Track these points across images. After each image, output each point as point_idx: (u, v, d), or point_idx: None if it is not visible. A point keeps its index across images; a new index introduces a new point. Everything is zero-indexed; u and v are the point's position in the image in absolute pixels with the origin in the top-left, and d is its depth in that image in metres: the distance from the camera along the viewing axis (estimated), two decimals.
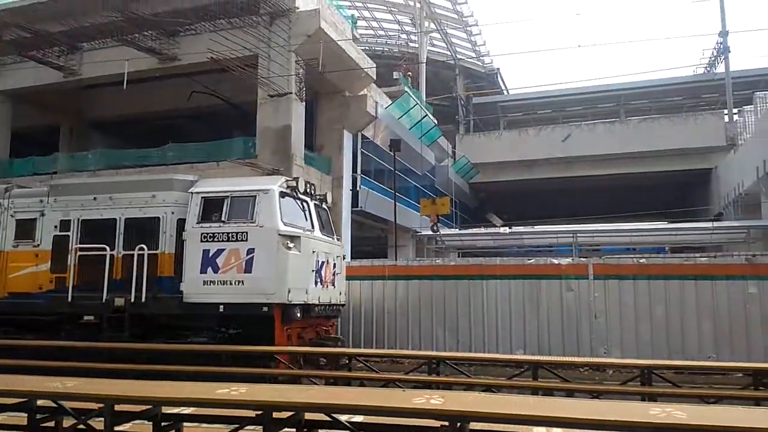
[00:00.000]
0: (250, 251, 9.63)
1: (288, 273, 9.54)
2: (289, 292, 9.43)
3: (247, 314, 9.57)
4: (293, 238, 9.76)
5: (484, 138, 34.73)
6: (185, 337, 9.80)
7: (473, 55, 37.50)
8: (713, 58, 35.79)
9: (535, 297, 11.72)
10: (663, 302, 11.16)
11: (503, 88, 41.44)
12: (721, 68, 33.25)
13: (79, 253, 10.40)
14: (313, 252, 10.20)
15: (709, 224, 24.22)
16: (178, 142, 16.49)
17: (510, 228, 26.86)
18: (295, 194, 10.32)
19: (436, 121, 27.90)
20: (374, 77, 18.36)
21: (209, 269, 9.70)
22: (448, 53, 36.38)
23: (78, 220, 10.66)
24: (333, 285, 10.86)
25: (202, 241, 9.80)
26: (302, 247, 9.80)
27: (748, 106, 27.88)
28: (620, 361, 9.25)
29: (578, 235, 23.74)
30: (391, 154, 19.35)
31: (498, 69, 39.51)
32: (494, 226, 32.97)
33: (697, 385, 8.79)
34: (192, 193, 10.13)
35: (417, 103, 24.50)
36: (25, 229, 10.99)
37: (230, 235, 9.74)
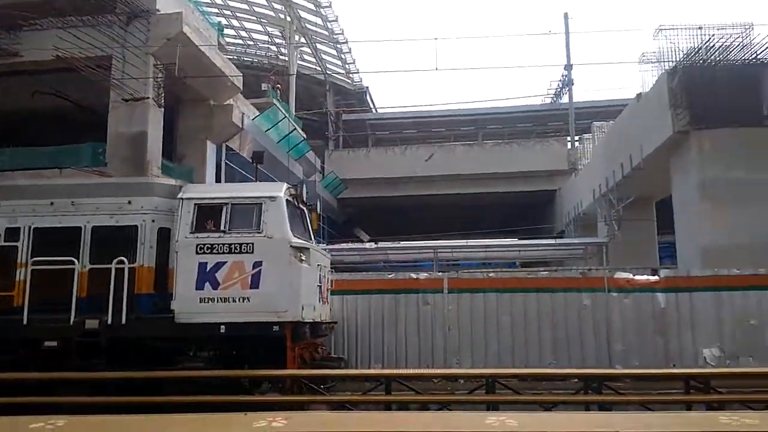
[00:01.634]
0: (257, 264, 8.71)
1: (302, 288, 8.85)
2: (303, 309, 8.73)
3: (253, 335, 8.69)
4: (303, 250, 9.01)
5: (352, 154, 35.23)
6: (177, 362, 8.74)
7: (343, 71, 38.05)
8: (559, 89, 39.40)
9: (394, 310, 12.02)
10: (509, 313, 11.95)
11: (372, 106, 42.44)
12: (565, 99, 36.67)
13: (32, 267, 8.86)
14: (318, 265, 9.56)
15: (552, 241, 26.54)
16: (22, 145, 14.93)
17: (376, 243, 27.39)
18: (296, 202, 9.60)
19: (305, 136, 27.82)
20: (241, 87, 17.94)
21: (207, 285, 8.66)
22: (319, 69, 36.58)
23: (29, 228, 9.16)
24: (327, 300, 10.29)
25: (198, 253, 8.73)
26: (311, 260, 9.11)
27: (587, 135, 31.08)
28: (468, 372, 9.74)
29: (438, 250, 24.76)
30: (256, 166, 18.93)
31: (367, 87, 40.44)
32: (361, 241, 33.43)
33: (539, 391, 9.48)
34: (182, 199, 9.04)
35: (286, 117, 24.30)
36: None
37: (233, 246, 8.76)
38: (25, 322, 8.61)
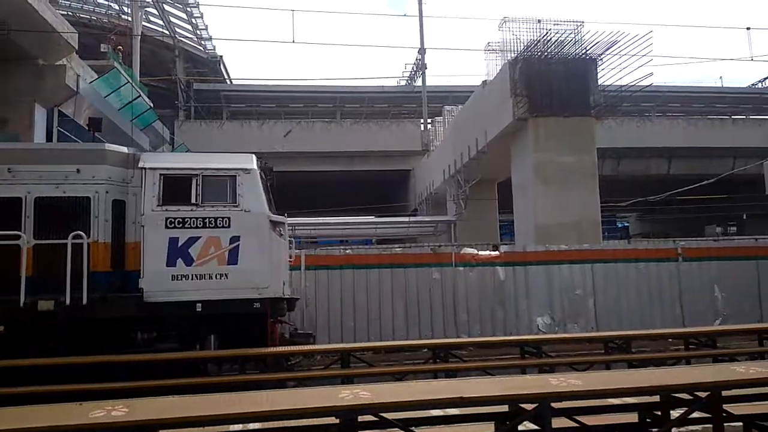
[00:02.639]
0: (235, 239, 8.27)
1: (282, 263, 8.66)
2: (283, 284, 8.52)
3: (233, 312, 8.21)
4: (280, 224, 8.71)
5: (205, 126, 33.55)
6: (147, 344, 8.15)
7: (194, 37, 35.93)
8: (413, 72, 40.67)
9: None
10: (365, 290, 12.28)
11: (226, 77, 40.64)
12: (419, 82, 37.97)
13: None
14: (289, 239, 9.21)
15: (406, 219, 27.59)
16: None
17: None
18: (264, 175, 9.04)
19: (151, 104, 25.92)
20: (76, 46, 16.16)
21: (179, 261, 8.07)
22: (167, 32, 34.17)
23: None
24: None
25: (167, 227, 8.08)
26: (285, 234, 8.75)
27: (439, 117, 32.54)
28: (323, 347, 9.86)
29: (297, 227, 24.61)
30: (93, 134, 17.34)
31: (221, 57, 38.59)
32: None
33: (392, 362, 9.88)
34: (144, 168, 8.28)
35: (129, 82, 22.40)
36: None
37: (207, 220, 8.24)
38: None
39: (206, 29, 35.35)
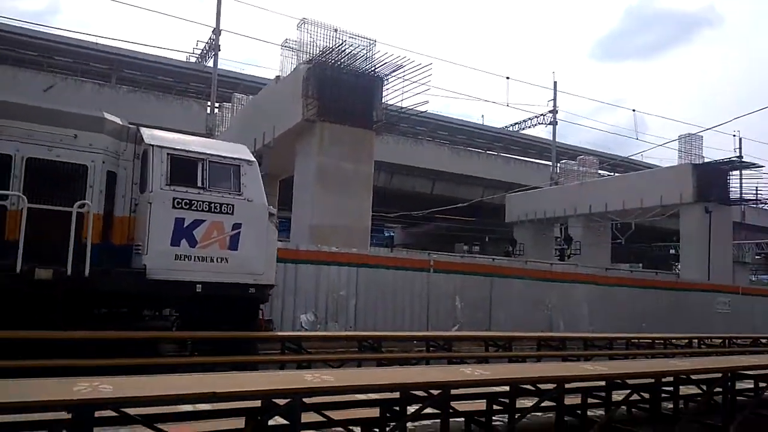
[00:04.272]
0: (237, 226, 8.58)
1: (274, 252, 9.12)
2: (275, 272, 8.99)
3: (228, 295, 8.48)
4: (273, 215, 9.08)
5: None
6: (142, 320, 8.35)
7: None
8: (205, 51, 38.79)
9: None
10: None
11: None
12: (211, 63, 36.33)
13: None
14: None
15: None
16: None
17: None
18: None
19: None
20: None
21: (183, 242, 8.17)
22: None
23: None
24: None
25: (174, 207, 8.14)
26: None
27: (228, 103, 31.49)
28: None
29: None
30: None
31: None
32: None
33: None
34: (152, 146, 8.25)
35: None
36: None
37: (213, 205, 8.42)
38: None
39: None
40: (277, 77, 21.31)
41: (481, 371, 5.07)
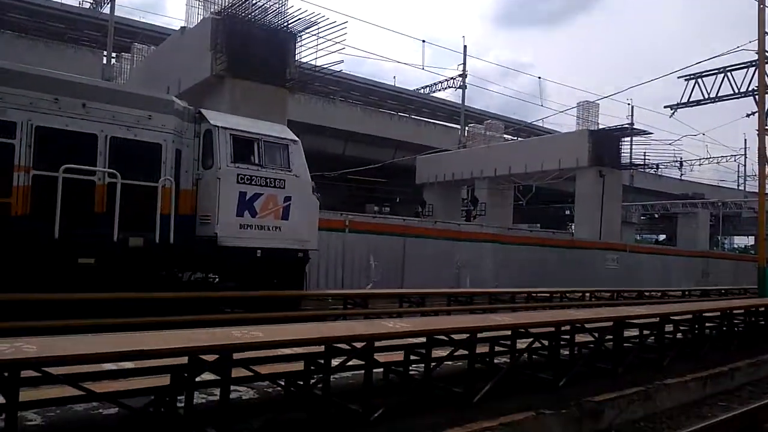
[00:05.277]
0: (287, 199, 9.70)
1: (316, 222, 10.35)
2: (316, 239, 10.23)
3: (281, 260, 9.67)
4: (314, 188, 10.34)
5: None
6: (221, 280, 9.48)
7: None
8: None
9: None
10: None
11: None
12: (107, 9, 33.71)
13: (33, 172, 7.65)
14: None
15: None
16: None
17: None
18: None
19: None
20: None
21: (246, 213, 9.29)
22: None
23: (30, 125, 7.71)
24: None
25: (238, 182, 9.23)
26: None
27: (127, 54, 29.52)
28: None
29: None
30: None
31: None
32: None
33: None
34: (217, 127, 9.27)
35: None
36: None
37: (269, 180, 9.55)
38: (56, 236, 7.59)
39: None
40: (183, 28, 20.24)
41: (401, 324, 5.34)
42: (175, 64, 19.57)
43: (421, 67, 72.27)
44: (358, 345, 4.74)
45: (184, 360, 4.03)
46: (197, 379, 4.15)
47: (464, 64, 37.86)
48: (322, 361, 4.90)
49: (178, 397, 4.24)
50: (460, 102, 39.27)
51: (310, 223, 10.24)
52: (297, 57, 18.55)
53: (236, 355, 4.34)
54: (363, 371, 4.86)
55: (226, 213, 9.11)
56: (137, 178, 8.48)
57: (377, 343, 5.29)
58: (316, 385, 4.74)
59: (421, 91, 49.21)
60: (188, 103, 18.62)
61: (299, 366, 4.86)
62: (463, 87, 38.00)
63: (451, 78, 41.88)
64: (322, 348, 4.89)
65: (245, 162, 9.45)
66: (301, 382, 5.04)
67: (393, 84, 50.27)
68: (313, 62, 18.72)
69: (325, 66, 18.50)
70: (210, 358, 3.96)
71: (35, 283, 7.43)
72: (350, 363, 5.01)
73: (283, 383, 5.07)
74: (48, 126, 7.97)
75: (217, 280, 9.73)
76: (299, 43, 18.40)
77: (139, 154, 8.72)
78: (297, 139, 10.26)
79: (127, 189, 8.25)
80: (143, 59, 26.09)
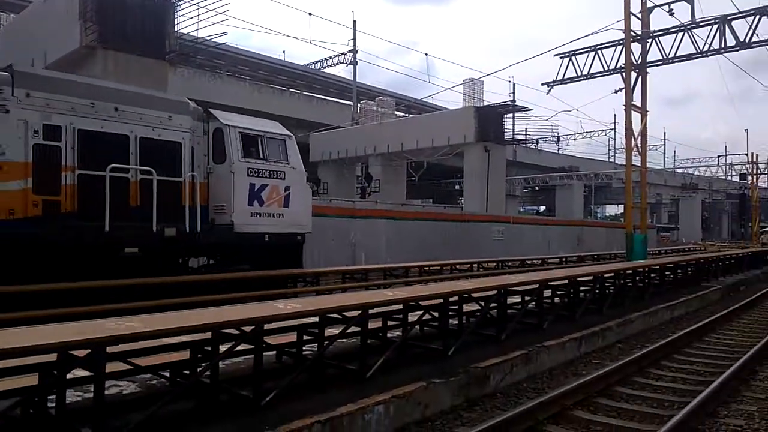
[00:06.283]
0: (287, 189, 10.99)
1: (311, 208, 11.89)
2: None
3: (284, 243, 11.03)
4: (307, 178, 11.80)
5: None
6: (233, 264, 10.51)
7: None
8: None
9: None
10: None
11: None
12: None
13: (78, 171, 8.46)
14: None
15: None
16: None
17: None
18: None
19: None
20: None
21: (255, 202, 10.45)
22: None
23: (73, 128, 8.49)
24: None
25: (248, 175, 10.35)
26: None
27: None
28: None
29: None
30: None
31: None
32: None
33: None
34: (228, 126, 10.32)
35: None
36: None
37: (272, 172, 10.76)
38: (107, 228, 8.50)
39: None
40: None
41: (293, 305, 5.25)
42: (39, 35, 17.82)
43: (309, 41, 71.17)
44: (248, 329, 4.61)
45: (54, 357, 3.72)
46: (72, 376, 3.84)
47: (354, 39, 37.70)
48: (209, 348, 4.72)
49: (51, 397, 3.92)
50: (352, 78, 39.15)
51: (306, 210, 11.57)
52: (177, 27, 17.54)
53: (122, 347, 4.08)
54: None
55: (239, 203, 10.28)
56: (165, 174, 9.36)
57: (269, 326, 5.19)
58: (203, 374, 4.55)
59: (312, 66, 48.45)
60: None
61: (187, 355, 4.65)
62: (354, 63, 37.89)
63: (342, 54, 41.56)
64: (209, 335, 4.72)
65: (252, 157, 10.57)
66: (189, 372, 4.84)
67: (283, 59, 49.09)
68: (195, 34, 17.81)
69: (207, 38, 17.64)
70: (83, 353, 3.68)
71: (87, 273, 8.24)
72: (241, 348, 4.88)
73: (168, 374, 4.83)
74: (87, 129, 8.74)
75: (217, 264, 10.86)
76: (179, 13, 17.40)
77: (164, 152, 9.58)
78: (291, 134, 11.53)
79: (160, 184, 9.21)
80: (2, 28, 23.50)
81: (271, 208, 10.76)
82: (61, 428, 3.83)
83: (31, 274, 7.79)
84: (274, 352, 5.89)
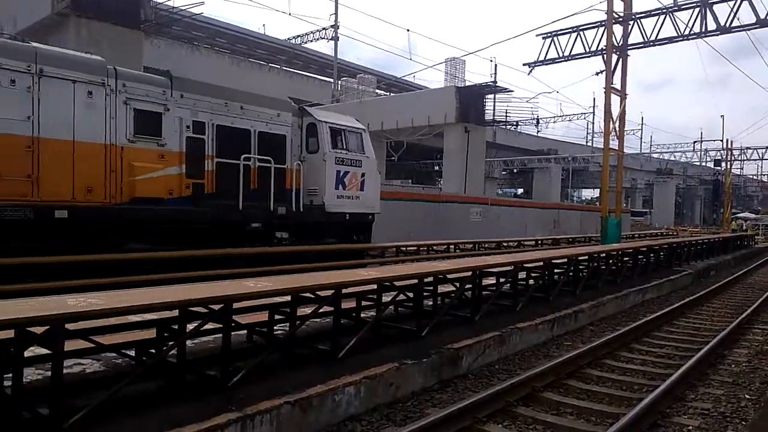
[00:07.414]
0: (363, 175, 13.00)
1: (380, 192, 13.96)
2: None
3: (360, 221, 13.13)
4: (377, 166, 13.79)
5: None
6: (325, 238, 12.52)
7: None
8: None
9: None
10: None
11: None
12: None
13: (216, 159, 10.48)
14: None
15: None
16: None
17: None
18: None
19: None
20: None
21: (340, 186, 12.46)
22: None
23: (213, 124, 10.52)
24: None
25: (336, 163, 12.35)
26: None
27: None
28: None
29: None
30: None
31: None
32: None
33: None
34: (321, 121, 12.29)
35: None
36: (147, 124, 9.55)
37: (352, 161, 12.77)
38: (240, 207, 10.70)
39: None
40: None
41: (264, 284, 5.13)
42: (8, 3, 17.13)
43: (288, 13, 69.73)
44: (216, 307, 4.49)
45: (11, 333, 3.57)
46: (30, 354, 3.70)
47: (336, 13, 37.06)
48: (176, 327, 4.60)
49: (7, 375, 3.77)
50: (333, 55, 38.58)
51: (376, 194, 13.45)
52: None
53: (87, 324, 3.94)
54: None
55: (329, 187, 12.25)
56: (277, 162, 11.35)
57: (240, 305, 5.08)
58: (169, 353, 4.43)
59: (293, 42, 47.62)
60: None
61: (149, 334, 4.52)
62: (335, 38, 37.30)
63: (323, 28, 40.89)
64: (177, 313, 4.59)
65: (338, 147, 12.50)
66: (154, 351, 4.72)
67: (263, 33, 48.12)
68: (170, 3, 17.29)
69: (184, 7, 17.15)
70: (41, 330, 3.53)
71: (223, 243, 10.45)
72: (210, 327, 4.76)
73: (133, 353, 4.70)
74: (222, 124, 10.68)
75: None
76: None
77: (274, 144, 11.44)
78: (365, 128, 13.46)
79: (274, 171, 11.22)
80: None
81: (351, 191, 12.74)
82: (17, 406, 3.70)
83: (186, 242, 9.84)
84: (245, 331, 5.78)
